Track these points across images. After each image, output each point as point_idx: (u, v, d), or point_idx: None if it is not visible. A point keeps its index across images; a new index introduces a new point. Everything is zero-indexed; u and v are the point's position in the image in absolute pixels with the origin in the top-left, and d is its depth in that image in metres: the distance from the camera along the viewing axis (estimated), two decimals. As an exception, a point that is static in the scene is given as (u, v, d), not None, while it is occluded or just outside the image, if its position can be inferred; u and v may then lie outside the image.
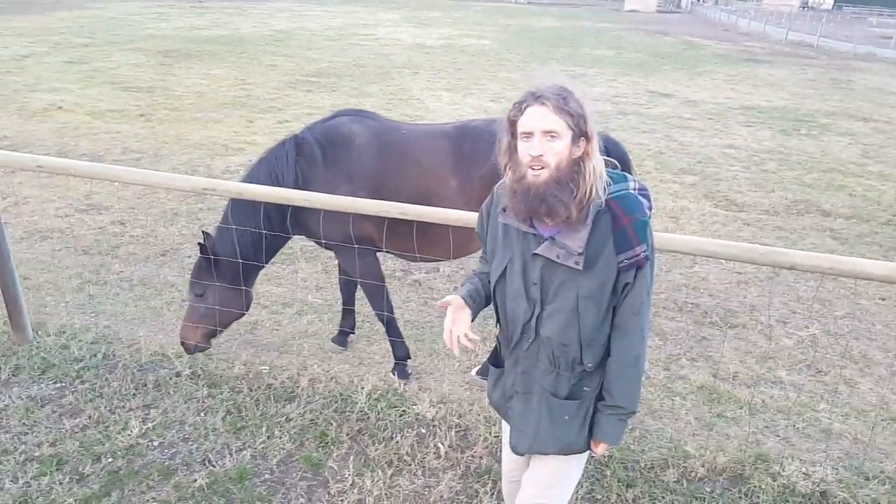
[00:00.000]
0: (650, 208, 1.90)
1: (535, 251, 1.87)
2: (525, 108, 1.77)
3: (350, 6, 42.18)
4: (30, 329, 4.00)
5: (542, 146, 1.75)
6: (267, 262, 3.76)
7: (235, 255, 3.53)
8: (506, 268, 1.94)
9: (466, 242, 3.60)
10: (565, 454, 2.06)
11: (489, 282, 2.03)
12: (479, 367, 4.01)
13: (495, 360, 2.19)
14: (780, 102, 14.37)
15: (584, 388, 1.99)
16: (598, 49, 23.44)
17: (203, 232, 3.59)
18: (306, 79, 14.20)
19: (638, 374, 1.96)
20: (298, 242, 5.58)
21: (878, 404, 3.97)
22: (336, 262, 4.14)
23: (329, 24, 29.22)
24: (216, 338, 3.77)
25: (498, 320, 2.08)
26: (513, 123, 1.81)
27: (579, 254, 1.81)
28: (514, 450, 2.12)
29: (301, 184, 3.50)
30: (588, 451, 2.10)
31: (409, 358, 3.96)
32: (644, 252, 1.82)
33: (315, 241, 3.81)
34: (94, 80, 12.85)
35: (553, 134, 1.75)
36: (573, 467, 2.15)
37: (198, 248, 3.53)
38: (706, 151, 9.63)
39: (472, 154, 3.51)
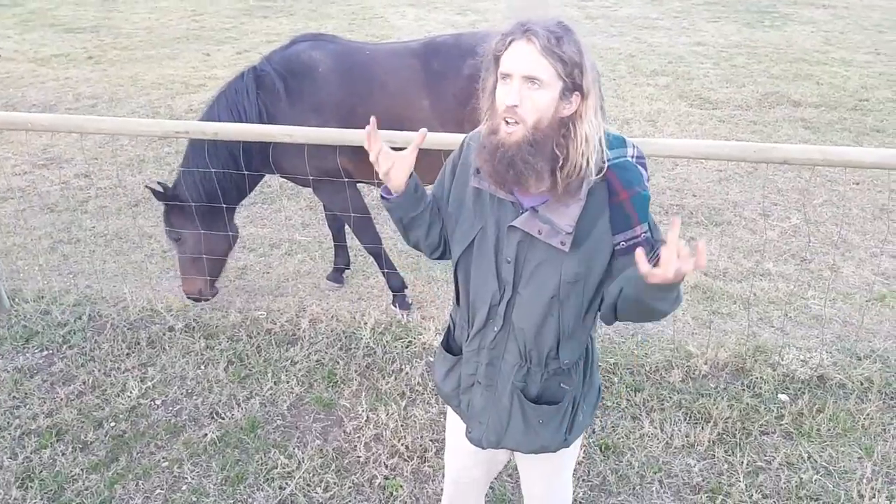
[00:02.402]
0: (648, 179, 1.57)
1: (512, 223, 1.55)
2: (510, 43, 1.43)
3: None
4: (5, 297, 3.84)
5: (521, 94, 1.41)
6: (238, 203, 3.67)
7: (201, 199, 3.43)
8: (474, 239, 1.63)
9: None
10: (536, 454, 1.79)
11: (453, 254, 1.71)
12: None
13: (448, 344, 1.87)
14: (741, -7, 14.11)
15: (562, 387, 1.70)
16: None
17: (158, 182, 3.49)
18: (261, 3, 13.44)
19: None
20: (278, 180, 5.40)
21: (861, 286, 4.09)
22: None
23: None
24: (217, 282, 3.73)
25: (457, 300, 1.77)
26: (497, 59, 1.46)
27: (567, 233, 1.50)
28: (477, 444, 1.80)
29: (265, 119, 3.36)
30: (577, 441, 1.84)
31: (406, 287, 3.92)
32: (645, 233, 1.51)
33: (289, 179, 3.68)
34: (32, 24, 11.97)
35: (536, 80, 1.40)
36: (566, 460, 1.90)
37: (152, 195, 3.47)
38: (676, 51, 9.49)
39: (442, 71, 3.37)
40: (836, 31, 10.77)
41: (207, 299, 3.70)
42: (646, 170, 1.57)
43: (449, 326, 1.89)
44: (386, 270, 3.82)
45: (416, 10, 12.59)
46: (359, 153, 3.32)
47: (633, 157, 1.56)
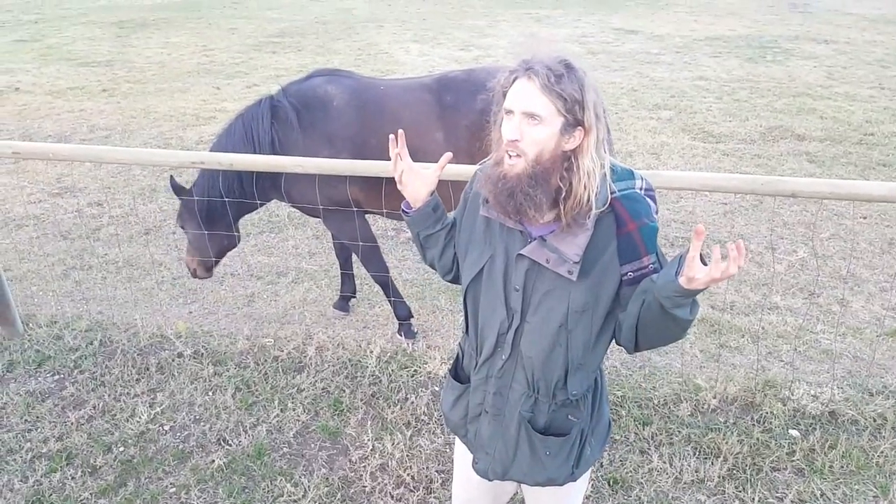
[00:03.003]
0: (657, 211, 1.59)
1: (521, 252, 1.57)
2: (514, 80, 1.49)
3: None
4: (19, 322, 3.87)
5: (522, 129, 1.46)
6: (241, 216, 3.84)
7: (209, 207, 3.63)
8: (483, 267, 1.65)
9: (458, 196, 3.55)
10: (542, 486, 1.78)
11: (462, 281, 1.74)
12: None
13: (456, 373, 1.89)
14: (743, 30, 14.32)
15: (570, 419, 1.70)
16: (558, -13, 22.99)
17: (171, 177, 3.73)
18: (269, 40, 13.71)
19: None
20: (285, 209, 5.47)
21: (872, 321, 4.08)
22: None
23: (284, -19, 28.09)
24: (214, 267, 3.92)
25: (466, 329, 1.78)
26: (503, 94, 1.52)
27: (574, 262, 1.53)
28: (483, 475, 1.80)
29: (277, 148, 3.43)
30: (585, 475, 1.82)
31: (412, 317, 3.93)
32: (653, 264, 1.54)
33: (297, 208, 3.73)
34: (49, 58, 12.24)
35: (535, 117, 1.45)
36: (574, 494, 1.88)
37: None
38: (678, 85, 9.60)
39: (454, 105, 3.44)
40: (838, 65, 10.89)
41: (201, 278, 3.92)
42: (655, 202, 1.59)
43: (457, 355, 1.90)
44: (392, 299, 3.84)
45: (420, 46, 12.81)
46: (368, 183, 3.38)
47: (641, 189, 1.58)
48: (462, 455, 1.94)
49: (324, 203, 3.45)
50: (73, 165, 6.42)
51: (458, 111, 3.42)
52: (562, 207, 1.50)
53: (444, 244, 1.81)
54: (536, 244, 1.56)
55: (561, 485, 1.77)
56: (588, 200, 1.50)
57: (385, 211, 3.65)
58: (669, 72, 10.53)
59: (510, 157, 1.49)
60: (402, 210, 1.80)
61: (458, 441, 1.96)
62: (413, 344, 3.78)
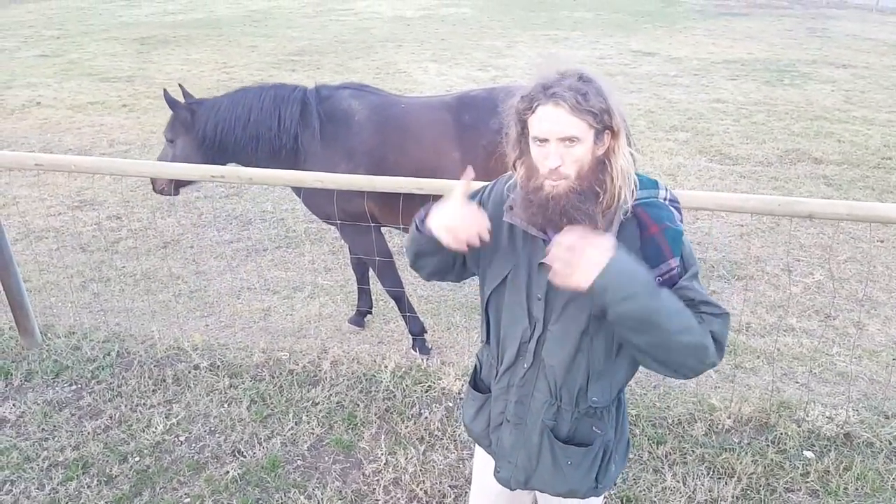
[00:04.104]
0: (682, 221, 1.58)
1: (543, 260, 1.54)
2: (536, 108, 1.46)
3: (322, -18, 41.30)
4: (38, 332, 3.94)
5: (560, 155, 1.46)
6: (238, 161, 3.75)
7: (211, 142, 3.60)
8: (507, 276, 1.65)
9: None
10: (564, 497, 1.78)
11: (484, 291, 1.73)
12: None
13: (475, 384, 1.89)
14: (761, 54, 14.35)
15: (594, 430, 1.69)
16: (577, 11, 23.16)
17: (182, 87, 3.79)
18: (289, 58, 13.94)
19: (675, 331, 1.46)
20: (302, 224, 5.54)
21: (889, 344, 4.04)
22: (343, 241, 4.12)
23: (305, 0, 28.61)
24: (184, 187, 3.93)
25: (487, 338, 1.78)
26: (521, 120, 1.52)
27: None
28: (505, 483, 1.80)
29: (300, 145, 3.51)
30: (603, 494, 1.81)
31: (426, 332, 3.95)
32: (678, 266, 1.53)
33: (314, 214, 3.81)
34: (70, 73, 12.52)
35: (573, 140, 1.45)
36: None
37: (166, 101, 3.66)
38: (695, 107, 9.62)
39: (473, 124, 3.48)
40: (856, 90, 10.87)
41: (166, 194, 3.88)
42: (680, 213, 1.58)
43: (475, 366, 1.91)
44: (407, 314, 3.86)
45: (437, 66, 12.96)
46: (384, 198, 3.42)
47: (665, 199, 1.58)
48: (482, 464, 1.94)
49: (340, 216, 3.50)
50: (93, 179, 6.54)
51: (476, 130, 3.46)
52: (598, 212, 1.50)
53: (437, 263, 1.75)
54: None
55: (583, 497, 1.77)
56: (621, 197, 1.51)
57: (402, 226, 3.70)
58: (687, 94, 10.56)
59: (552, 180, 1.48)
60: (417, 225, 1.70)
61: (477, 451, 1.97)
62: (427, 359, 3.79)
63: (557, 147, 1.46)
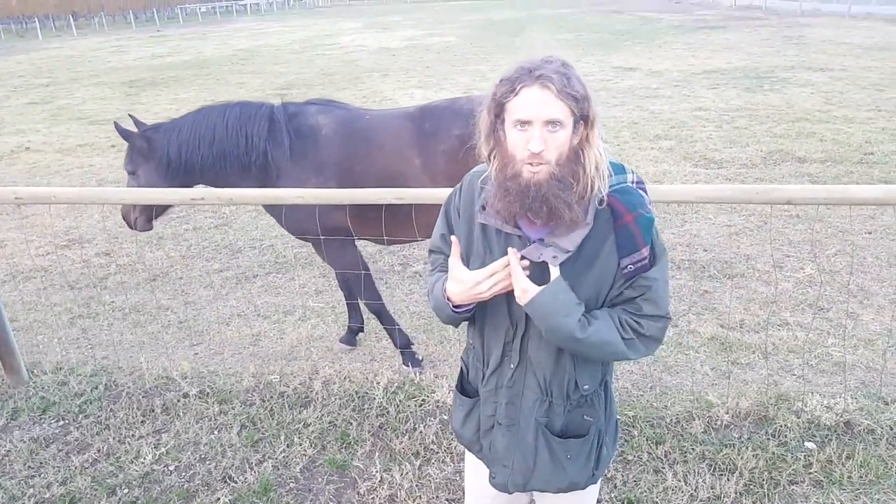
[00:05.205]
0: (650, 203, 1.58)
1: (521, 253, 1.54)
2: (520, 90, 1.43)
3: (310, 20, 42.18)
4: (24, 370, 3.88)
5: (544, 139, 1.42)
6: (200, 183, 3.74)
7: (175, 166, 3.58)
8: None
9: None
10: (565, 492, 1.75)
11: None
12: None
13: (462, 388, 1.85)
14: (740, 63, 14.57)
15: (586, 419, 1.69)
16: (559, 34, 23.60)
17: (132, 117, 3.77)
18: (277, 92, 14.07)
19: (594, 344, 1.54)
20: (292, 250, 5.51)
21: (883, 332, 4.01)
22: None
23: (291, 38, 29.07)
24: (154, 220, 3.88)
25: (471, 341, 1.76)
26: (499, 105, 1.47)
27: (566, 251, 1.51)
28: (502, 488, 1.76)
29: (270, 161, 3.52)
30: (598, 485, 1.83)
31: (412, 344, 3.92)
32: (648, 257, 1.55)
33: (295, 236, 3.80)
34: (59, 118, 12.60)
35: (557, 123, 1.42)
36: (589, 499, 1.86)
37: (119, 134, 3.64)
38: (678, 116, 9.72)
39: (433, 131, 3.53)
40: (835, 91, 11.01)
41: (142, 230, 3.87)
42: (646, 194, 1.58)
43: (461, 369, 1.87)
44: (387, 327, 3.85)
45: (424, 91, 13.10)
46: (358, 210, 3.44)
47: (633, 182, 1.58)
48: (474, 471, 1.90)
49: (312, 231, 3.51)
50: (81, 218, 6.53)
51: (436, 137, 3.51)
52: (574, 202, 1.48)
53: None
54: (536, 246, 1.53)
55: (583, 488, 1.75)
56: (594, 188, 1.49)
57: (375, 238, 3.69)
58: (669, 104, 10.68)
59: (532, 166, 1.45)
60: (455, 311, 1.64)
61: (468, 457, 1.92)
62: (421, 373, 3.74)
63: (542, 131, 1.42)
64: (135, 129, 3.69)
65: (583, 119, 1.46)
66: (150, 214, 3.80)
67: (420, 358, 3.89)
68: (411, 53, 20.19)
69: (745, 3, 33.11)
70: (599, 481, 1.84)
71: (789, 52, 15.96)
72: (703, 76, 13.13)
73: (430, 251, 1.83)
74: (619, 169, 1.58)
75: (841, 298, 4.43)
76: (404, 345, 3.87)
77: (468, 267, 1.62)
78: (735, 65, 14.31)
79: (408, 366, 3.82)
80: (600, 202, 1.51)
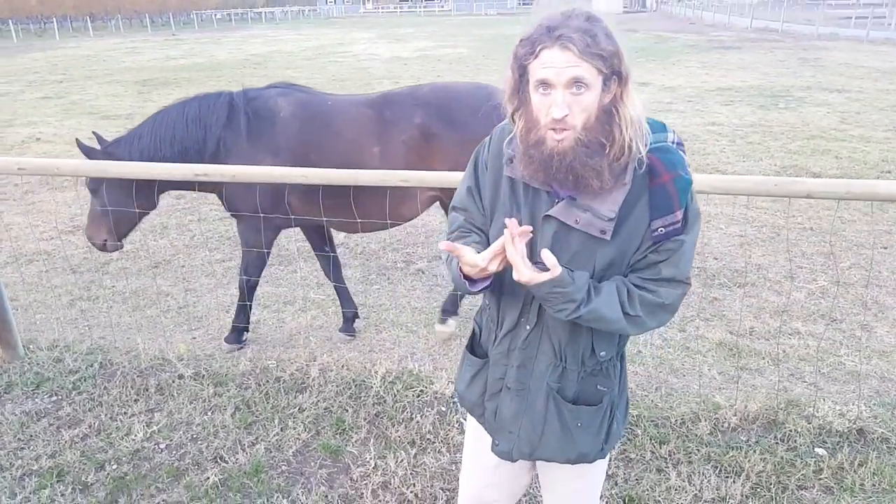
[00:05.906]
0: (689, 165, 1.48)
1: (548, 212, 1.46)
2: (540, 51, 1.33)
3: (324, 29, 42.61)
4: (20, 345, 3.82)
5: (567, 103, 1.33)
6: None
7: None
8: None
9: (396, 207, 3.55)
10: (573, 464, 1.68)
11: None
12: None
13: (473, 349, 1.78)
14: (754, 82, 14.51)
15: (599, 388, 1.62)
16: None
17: (94, 133, 3.75)
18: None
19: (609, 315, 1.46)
20: (295, 244, 5.46)
21: (899, 346, 3.90)
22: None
23: (304, 45, 29.31)
24: (125, 238, 3.83)
25: (486, 302, 1.69)
26: (521, 66, 1.39)
27: (610, 219, 1.41)
28: (506, 456, 1.69)
29: (221, 147, 3.50)
30: (607, 457, 1.76)
31: (247, 330, 3.98)
32: (681, 221, 1.44)
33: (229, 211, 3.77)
34: (71, 112, 12.67)
35: (581, 85, 1.32)
36: (596, 477, 1.80)
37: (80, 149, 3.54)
38: (690, 130, 9.64)
39: (393, 120, 3.47)
40: (851, 111, 10.91)
41: (110, 251, 3.80)
42: (685, 154, 1.50)
43: (474, 330, 1.80)
44: (241, 302, 3.85)
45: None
46: (306, 190, 3.43)
47: (673, 142, 1.49)
48: (475, 439, 1.82)
49: (251, 209, 3.49)
50: (87, 205, 6.49)
51: (396, 126, 3.46)
52: (606, 167, 1.39)
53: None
54: (564, 204, 1.44)
55: (591, 461, 1.67)
56: (633, 149, 1.39)
57: (322, 218, 3.62)
58: (681, 118, 10.61)
59: (556, 132, 1.36)
60: (469, 285, 1.55)
61: (469, 425, 1.84)
62: (421, 364, 3.66)
63: (564, 95, 1.33)
64: (98, 147, 3.63)
65: (615, 75, 1.35)
66: (120, 233, 3.75)
67: (244, 339, 3.96)
68: (423, 63, 20.28)
69: (761, 25, 33.13)
70: (606, 462, 1.76)
71: (805, 73, 15.90)
72: (716, 93, 13.07)
73: (453, 207, 1.72)
74: (659, 127, 1.48)
75: (855, 310, 4.33)
76: (239, 322, 3.91)
77: (493, 223, 1.58)
78: (750, 83, 14.25)
79: (229, 342, 3.89)
80: (639, 163, 1.41)
